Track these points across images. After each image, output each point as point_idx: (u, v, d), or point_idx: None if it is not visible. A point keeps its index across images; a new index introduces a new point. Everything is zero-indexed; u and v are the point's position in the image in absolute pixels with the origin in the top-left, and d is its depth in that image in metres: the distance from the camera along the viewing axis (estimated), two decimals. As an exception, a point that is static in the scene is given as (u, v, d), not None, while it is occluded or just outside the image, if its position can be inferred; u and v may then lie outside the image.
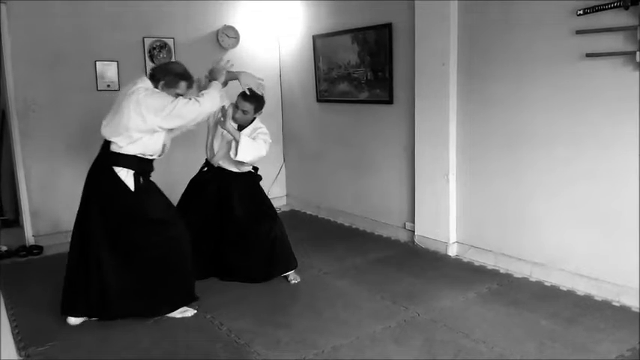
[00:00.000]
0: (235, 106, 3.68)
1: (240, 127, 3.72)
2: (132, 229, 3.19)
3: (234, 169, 3.83)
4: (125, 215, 3.18)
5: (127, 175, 3.15)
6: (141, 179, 3.20)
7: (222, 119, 3.60)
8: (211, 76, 3.49)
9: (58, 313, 3.37)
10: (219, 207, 3.84)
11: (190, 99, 3.16)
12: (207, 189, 3.86)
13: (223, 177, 3.85)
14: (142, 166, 3.23)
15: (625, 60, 3.20)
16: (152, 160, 3.33)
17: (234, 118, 3.69)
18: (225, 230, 3.83)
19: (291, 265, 3.90)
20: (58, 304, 3.28)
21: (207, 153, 3.92)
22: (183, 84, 3.21)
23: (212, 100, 3.23)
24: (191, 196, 3.90)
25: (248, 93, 3.63)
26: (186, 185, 3.98)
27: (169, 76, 3.19)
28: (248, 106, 3.67)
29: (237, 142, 3.57)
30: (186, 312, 3.34)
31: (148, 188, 3.26)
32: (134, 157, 3.17)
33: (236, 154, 3.57)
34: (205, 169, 3.93)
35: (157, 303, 3.27)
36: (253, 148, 3.61)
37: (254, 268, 3.81)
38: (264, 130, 3.79)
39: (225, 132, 3.66)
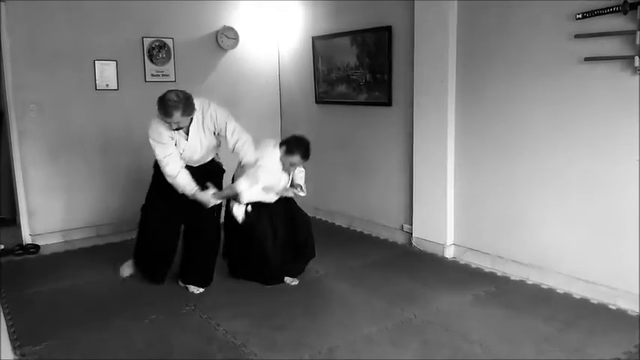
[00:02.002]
0: (290, 162, 3.79)
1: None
2: None
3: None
4: None
5: None
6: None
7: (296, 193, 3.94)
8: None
9: (53, 312, 3.38)
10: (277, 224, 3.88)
11: (169, 163, 3.47)
12: (265, 225, 3.82)
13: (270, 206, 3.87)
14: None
15: (623, 64, 3.22)
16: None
17: (287, 170, 3.85)
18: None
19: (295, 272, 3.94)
20: (54, 302, 3.30)
21: None
22: (161, 112, 3.34)
23: (182, 188, 3.54)
24: (263, 239, 3.82)
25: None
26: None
27: (158, 103, 3.34)
28: (303, 163, 3.89)
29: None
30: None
31: (160, 176, 3.62)
32: None
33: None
34: (249, 208, 3.80)
35: None
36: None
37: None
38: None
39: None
